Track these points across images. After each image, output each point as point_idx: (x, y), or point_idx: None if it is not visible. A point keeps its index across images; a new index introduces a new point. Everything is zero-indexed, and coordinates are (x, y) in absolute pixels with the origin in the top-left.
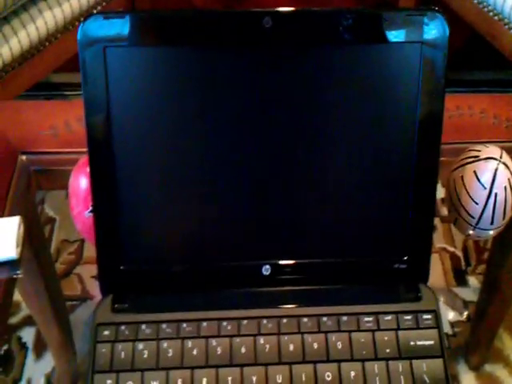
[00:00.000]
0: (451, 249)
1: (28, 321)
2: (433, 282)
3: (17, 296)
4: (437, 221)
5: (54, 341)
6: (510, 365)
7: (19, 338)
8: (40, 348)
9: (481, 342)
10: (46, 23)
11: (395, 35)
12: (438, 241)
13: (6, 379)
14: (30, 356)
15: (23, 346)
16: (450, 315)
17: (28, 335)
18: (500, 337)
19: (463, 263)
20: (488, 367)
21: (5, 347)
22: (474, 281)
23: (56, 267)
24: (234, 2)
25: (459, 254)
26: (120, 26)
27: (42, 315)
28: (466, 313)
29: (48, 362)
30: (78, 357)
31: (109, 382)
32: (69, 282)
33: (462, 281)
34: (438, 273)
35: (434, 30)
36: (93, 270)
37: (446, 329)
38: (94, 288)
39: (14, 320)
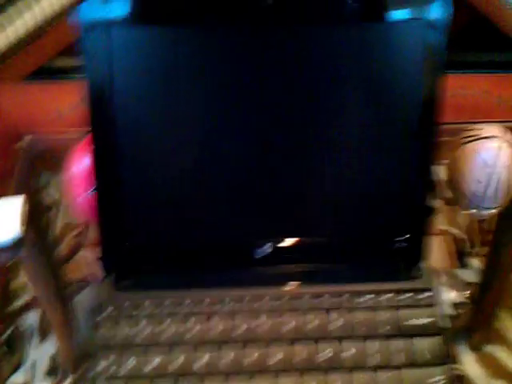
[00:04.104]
0: (455, 231)
1: (33, 304)
2: (436, 265)
3: (22, 279)
4: (441, 203)
5: (57, 320)
6: (511, 346)
7: (24, 321)
8: (44, 331)
9: (482, 323)
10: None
11: (398, 13)
12: (442, 223)
13: (12, 360)
14: (35, 338)
15: (28, 329)
16: (452, 296)
17: (33, 318)
18: (501, 318)
19: (467, 245)
20: (489, 348)
21: (10, 330)
22: (477, 263)
23: (60, 250)
24: None
25: (463, 236)
26: (121, 6)
27: (45, 295)
28: (467, 294)
29: (52, 345)
30: (81, 338)
31: (112, 357)
32: (74, 264)
33: (465, 263)
34: (441, 255)
35: (437, 7)
36: (98, 252)
37: (448, 310)
38: (99, 270)
39: (18, 303)
